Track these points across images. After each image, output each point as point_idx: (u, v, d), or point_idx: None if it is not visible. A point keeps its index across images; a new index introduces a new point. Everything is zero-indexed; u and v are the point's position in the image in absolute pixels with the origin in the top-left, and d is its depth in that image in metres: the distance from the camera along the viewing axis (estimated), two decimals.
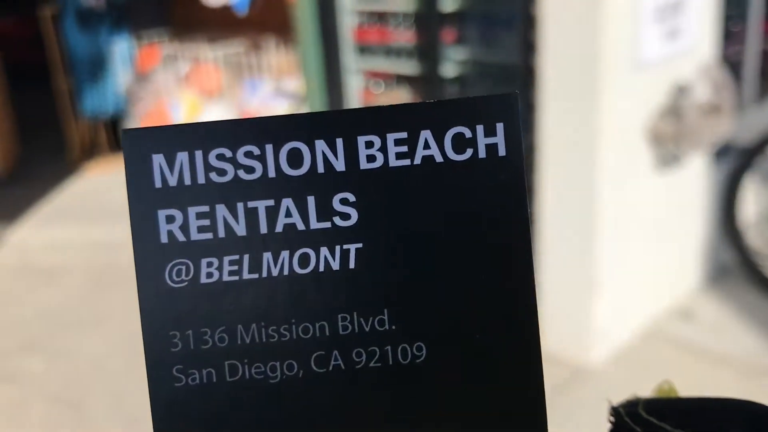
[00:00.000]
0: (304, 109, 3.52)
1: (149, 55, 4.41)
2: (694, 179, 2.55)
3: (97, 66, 4.50)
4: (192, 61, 4.19)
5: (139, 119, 4.46)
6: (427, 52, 2.90)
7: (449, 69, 2.88)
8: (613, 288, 2.25)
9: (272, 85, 3.79)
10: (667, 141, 2.23)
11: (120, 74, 4.53)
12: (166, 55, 4.32)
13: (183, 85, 4.19)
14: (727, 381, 2.12)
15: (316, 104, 3.31)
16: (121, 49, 4.50)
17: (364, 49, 3.20)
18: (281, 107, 3.63)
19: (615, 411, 0.34)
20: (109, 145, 4.77)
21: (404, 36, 3.01)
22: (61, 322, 2.80)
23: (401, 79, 3.14)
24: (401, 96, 3.14)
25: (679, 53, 2.30)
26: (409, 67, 3.03)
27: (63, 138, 4.78)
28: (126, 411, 2.23)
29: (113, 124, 4.75)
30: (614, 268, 2.23)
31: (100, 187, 4.34)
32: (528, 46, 2.39)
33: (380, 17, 3.09)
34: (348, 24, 3.19)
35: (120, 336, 2.65)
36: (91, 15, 4.38)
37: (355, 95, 3.28)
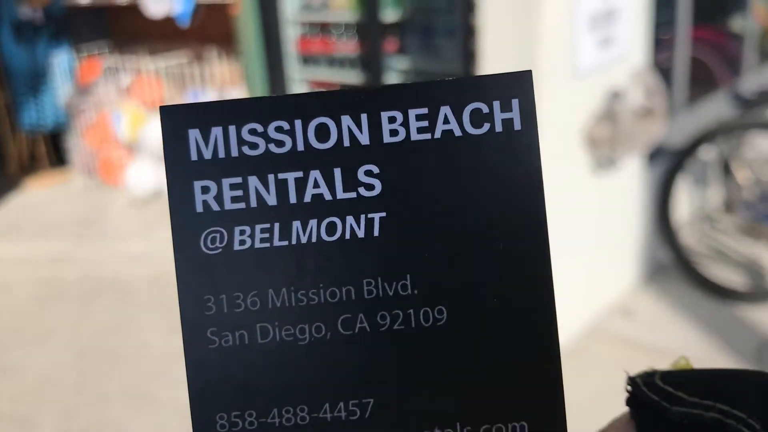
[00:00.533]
0: None
1: (90, 67, 4.36)
2: (630, 181, 2.63)
3: (36, 79, 4.43)
4: (134, 72, 4.16)
5: (80, 132, 4.41)
6: (370, 61, 2.95)
7: (392, 78, 2.93)
8: (554, 288, 2.31)
9: (215, 96, 3.78)
10: (603, 145, 2.31)
11: (60, 87, 4.46)
12: (107, 67, 4.28)
13: (125, 97, 4.16)
14: None
15: None
16: (61, 62, 4.44)
17: (307, 60, 3.23)
18: None
19: (632, 381, 0.35)
20: (49, 159, 4.69)
21: (347, 46, 3.06)
22: (6, 339, 2.76)
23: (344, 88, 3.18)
24: None
25: (613, 60, 2.39)
26: (352, 76, 3.07)
27: (1, 152, 4.68)
28: (75, 427, 2.21)
29: (53, 137, 4.67)
30: (555, 268, 2.29)
31: (42, 201, 4.27)
32: (468, 55, 2.45)
33: (323, 28, 3.13)
34: (291, 35, 3.22)
35: (67, 351, 2.62)
36: (28, 27, 4.31)
37: None
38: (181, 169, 0.33)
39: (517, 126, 0.34)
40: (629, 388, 0.35)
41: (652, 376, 0.35)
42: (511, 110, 0.34)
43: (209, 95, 3.81)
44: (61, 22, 4.44)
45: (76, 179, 4.54)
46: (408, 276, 0.33)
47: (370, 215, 0.33)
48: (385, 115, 0.34)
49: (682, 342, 2.37)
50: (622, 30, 2.41)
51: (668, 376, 0.35)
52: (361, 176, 0.34)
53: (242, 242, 0.33)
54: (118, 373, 2.46)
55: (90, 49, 4.49)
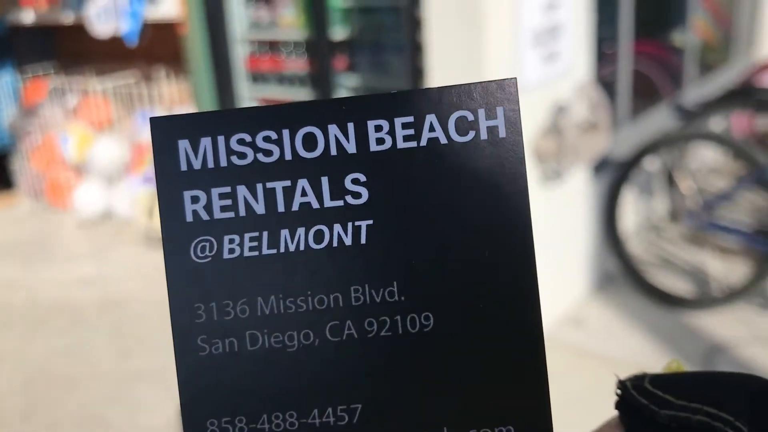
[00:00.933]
0: None
1: (35, 88, 4.29)
2: (576, 193, 2.68)
3: None
4: (80, 93, 4.11)
5: (26, 154, 4.33)
6: (320, 79, 2.96)
7: (342, 95, 2.94)
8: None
9: None
10: (550, 158, 2.35)
11: (4, 109, 4.38)
12: (53, 88, 4.21)
13: (71, 119, 4.10)
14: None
15: None
16: (5, 83, 4.36)
17: (257, 78, 3.23)
18: None
19: (621, 384, 0.35)
20: None
21: (296, 64, 3.06)
22: None
23: None
24: None
25: (558, 75, 2.44)
26: (302, 94, 3.08)
27: None
28: None
29: None
30: None
31: None
32: (416, 73, 2.48)
33: (272, 46, 3.13)
34: (240, 53, 3.22)
35: (15, 377, 2.56)
36: None
37: None
38: (171, 179, 0.34)
39: (502, 133, 0.34)
40: (618, 391, 0.35)
41: (642, 379, 0.35)
42: (496, 118, 0.34)
43: (158, 115, 3.78)
44: (4, 42, 4.37)
45: (22, 202, 4.45)
46: (395, 283, 0.34)
47: (357, 223, 0.34)
48: (371, 124, 0.34)
49: (633, 350, 2.42)
50: (566, 45, 2.46)
51: (657, 379, 0.35)
52: (348, 184, 0.34)
53: (231, 251, 0.34)
54: (70, 398, 2.42)
55: (35, 69, 4.42)
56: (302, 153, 0.34)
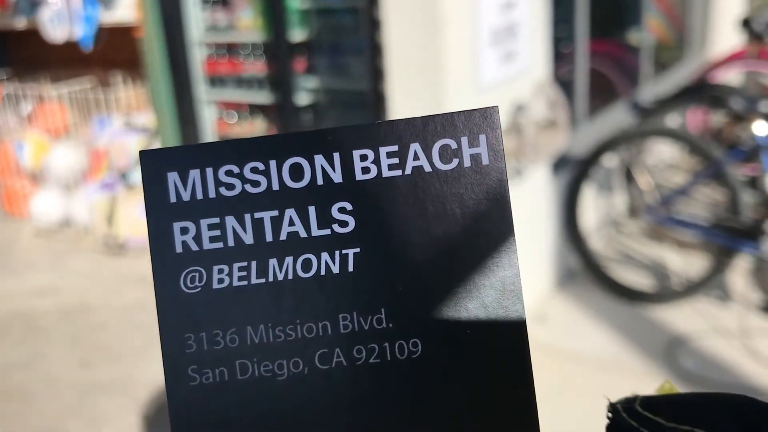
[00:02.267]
0: (155, 144, 3.46)
1: None
2: (537, 191, 2.70)
3: None
4: (35, 100, 4.03)
5: None
6: (279, 81, 2.94)
7: (302, 97, 2.93)
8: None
9: (122, 121, 3.71)
10: (509, 156, 2.37)
11: None
12: (7, 94, 4.13)
13: (27, 126, 4.02)
14: (581, 377, 2.26)
15: (169, 137, 3.27)
16: None
17: (215, 81, 3.20)
18: (132, 142, 3.56)
19: (612, 407, 0.35)
20: None
21: (255, 66, 3.04)
22: None
23: (255, 109, 3.17)
24: (256, 126, 3.16)
25: (516, 74, 2.46)
26: (261, 96, 3.06)
27: None
28: None
29: None
30: None
31: None
32: (376, 73, 2.48)
33: (230, 49, 3.11)
34: (198, 56, 3.19)
35: None
36: None
37: (209, 126, 3.27)
38: (160, 211, 0.34)
39: (485, 161, 0.35)
40: (610, 414, 0.35)
41: (633, 401, 0.35)
42: (478, 146, 0.35)
43: (116, 120, 3.73)
44: None
45: None
46: (383, 310, 0.34)
47: (344, 251, 0.34)
48: (356, 153, 0.35)
49: (596, 344, 2.44)
50: (523, 44, 2.48)
51: (648, 401, 0.35)
52: (335, 213, 0.35)
53: (221, 281, 0.34)
54: (29, 411, 2.37)
55: None
56: (289, 183, 0.35)
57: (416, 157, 0.35)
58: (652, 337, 2.48)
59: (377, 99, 2.50)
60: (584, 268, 2.84)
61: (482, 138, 0.35)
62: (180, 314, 0.34)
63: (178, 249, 0.34)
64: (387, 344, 0.34)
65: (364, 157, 0.35)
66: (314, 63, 2.91)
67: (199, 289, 0.34)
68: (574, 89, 3.10)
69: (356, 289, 0.34)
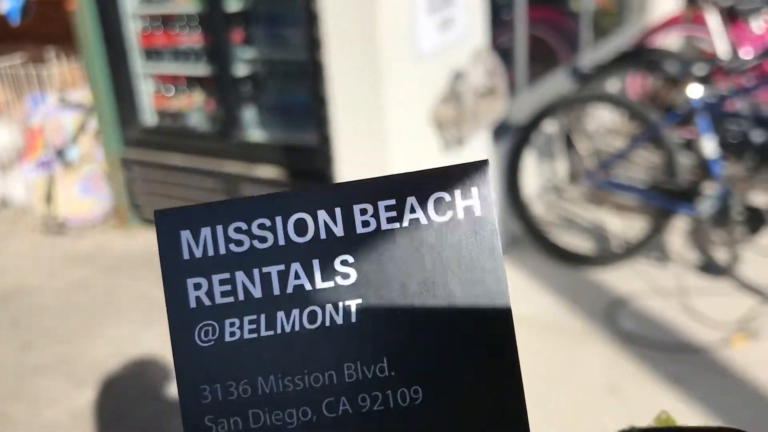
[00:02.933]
0: (92, 121, 3.38)
1: None
2: (478, 158, 2.71)
3: None
4: None
5: None
6: (216, 53, 2.89)
7: (240, 69, 2.89)
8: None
9: (57, 98, 3.61)
10: (450, 124, 2.37)
11: None
12: None
13: None
14: (528, 339, 2.30)
15: (106, 113, 3.20)
16: None
17: (151, 54, 3.13)
18: (67, 119, 3.47)
19: None
20: None
21: (192, 38, 2.99)
22: None
23: (192, 82, 3.11)
24: (194, 98, 3.10)
25: (454, 42, 2.46)
26: (199, 68, 3.01)
27: None
28: None
29: None
30: None
31: None
32: (313, 43, 2.45)
33: (165, 21, 3.04)
34: (133, 29, 3.11)
35: None
36: None
37: (147, 101, 3.20)
38: (175, 268, 0.36)
39: (478, 212, 0.37)
40: None
41: None
42: (471, 197, 0.37)
43: (50, 97, 3.63)
44: None
45: None
46: (385, 359, 0.36)
47: (347, 302, 0.36)
48: (357, 208, 0.37)
49: (540, 308, 2.48)
50: (460, 12, 2.47)
51: None
52: (338, 266, 0.36)
53: (232, 334, 0.36)
54: None
55: None
56: (294, 238, 0.37)
57: (413, 210, 0.37)
58: (593, 299, 2.53)
59: (315, 69, 2.47)
60: (526, 233, 2.87)
61: (474, 190, 0.37)
62: (196, 367, 0.36)
63: (192, 304, 0.36)
64: (390, 392, 0.36)
65: (364, 211, 0.36)
66: (251, 33, 2.86)
67: (212, 342, 0.36)
68: (513, 56, 3.11)
69: (359, 340, 0.36)
